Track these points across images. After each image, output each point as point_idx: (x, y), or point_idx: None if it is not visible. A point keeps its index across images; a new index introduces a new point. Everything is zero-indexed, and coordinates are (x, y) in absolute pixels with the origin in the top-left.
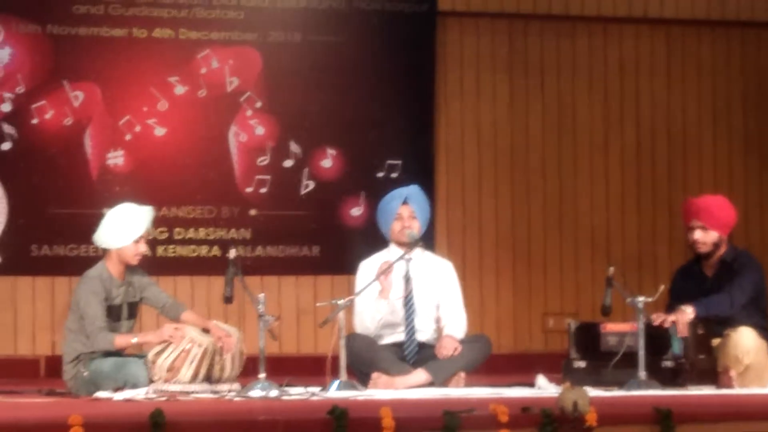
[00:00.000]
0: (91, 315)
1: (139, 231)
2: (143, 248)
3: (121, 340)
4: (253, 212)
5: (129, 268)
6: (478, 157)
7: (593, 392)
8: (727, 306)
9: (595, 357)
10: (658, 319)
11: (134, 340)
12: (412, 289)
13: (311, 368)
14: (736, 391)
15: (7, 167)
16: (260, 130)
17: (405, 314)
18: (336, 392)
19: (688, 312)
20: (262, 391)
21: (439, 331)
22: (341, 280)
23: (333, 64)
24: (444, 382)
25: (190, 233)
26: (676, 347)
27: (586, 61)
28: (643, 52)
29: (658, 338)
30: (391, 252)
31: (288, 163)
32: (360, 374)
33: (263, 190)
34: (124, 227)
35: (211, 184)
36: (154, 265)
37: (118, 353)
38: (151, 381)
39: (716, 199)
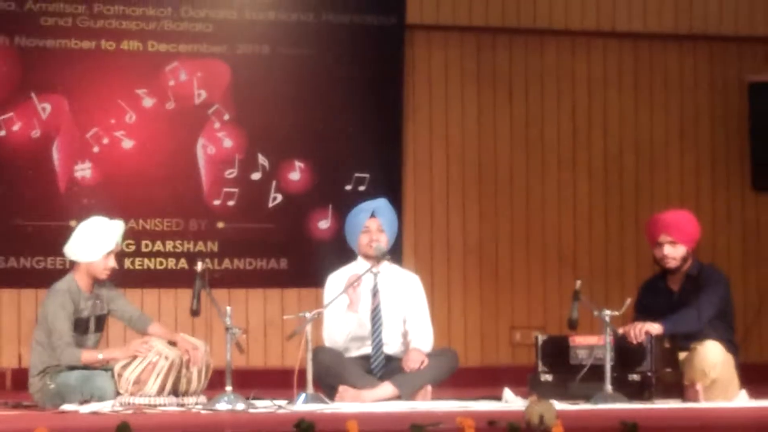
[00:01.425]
0: (59, 329)
1: (109, 246)
2: (112, 263)
3: (87, 356)
4: (220, 225)
5: (97, 281)
6: (446, 170)
7: (559, 406)
8: (695, 321)
9: (562, 370)
10: (632, 335)
11: (100, 356)
12: (379, 302)
13: (278, 381)
14: (702, 404)
15: None
16: (228, 143)
17: (372, 327)
18: (303, 405)
19: (655, 328)
20: (228, 403)
21: (406, 344)
22: (308, 292)
23: (301, 77)
24: (411, 396)
25: (158, 246)
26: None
27: (554, 74)
28: (611, 65)
29: (625, 352)
30: (359, 265)
31: (256, 176)
32: (327, 387)
33: (231, 203)
34: (94, 241)
35: (179, 197)
36: (121, 277)
37: (85, 366)
38: (117, 394)
39: (683, 214)
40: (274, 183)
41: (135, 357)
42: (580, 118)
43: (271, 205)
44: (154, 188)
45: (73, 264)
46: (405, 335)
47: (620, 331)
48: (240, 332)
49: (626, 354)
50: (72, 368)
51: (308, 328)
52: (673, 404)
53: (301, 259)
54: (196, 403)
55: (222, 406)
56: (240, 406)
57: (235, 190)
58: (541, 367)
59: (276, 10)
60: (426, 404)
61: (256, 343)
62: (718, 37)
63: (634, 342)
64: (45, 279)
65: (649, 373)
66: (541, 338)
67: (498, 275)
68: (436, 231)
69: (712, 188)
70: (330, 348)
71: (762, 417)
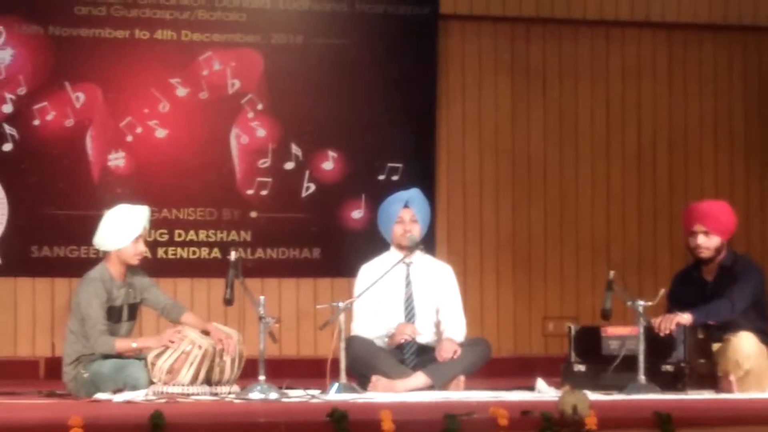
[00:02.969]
0: (93, 318)
1: (136, 230)
2: (142, 248)
3: (121, 345)
4: (253, 214)
5: (130, 270)
6: (480, 160)
7: (593, 396)
8: (728, 311)
9: (594, 361)
10: (661, 327)
11: (134, 344)
12: (412, 292)
13: (311, 371)
14: (736, 395)
15: (8, 168)
16: (261, 132)
17: (405, 317)
18: (336, 395)
19: (685, 318)
20: (261, 393)
21: (439, 334)
22: (341, 282)
23: (335, 67)
24: (444, 386)
25: (191, 235)
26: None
27: (588, 64)
28: (645, 55)
29: (658, 342)
30: (392, 255)
31: (289, 166)
32: (360, 377)
33: (264, 192)
34: (121, 228)
35: (212, 186)
36: (154, 266)
37: (119, 355)
38: (150, 383)
39: (719, 205)
40: (307, 173)
41: (168, 346)
42: (614, 109)
43: (304, 194)
44: (188, 177)
45: (105, 254)
46: (438, 325)
47: (653, 321)
48: (273, 322)
49: (659, 344)
50: (105, 357)
51: (341, 317)
52: (706, 395)
53: (334, 249)
54: (229, 393)
55: (255, 395)
56: (273, 395)
57: (269, 179)
58: (574, 358)
59: None
60: (459, 394)
61: (289, 333)
62: (752, 27)
63: (660, 333)
64: (78, 268)
65: (683, 364)
66: (573, 328)
67: (531, 265)
68: (469, 221)
69: (746, 179)
70: (363, 337)
71: None
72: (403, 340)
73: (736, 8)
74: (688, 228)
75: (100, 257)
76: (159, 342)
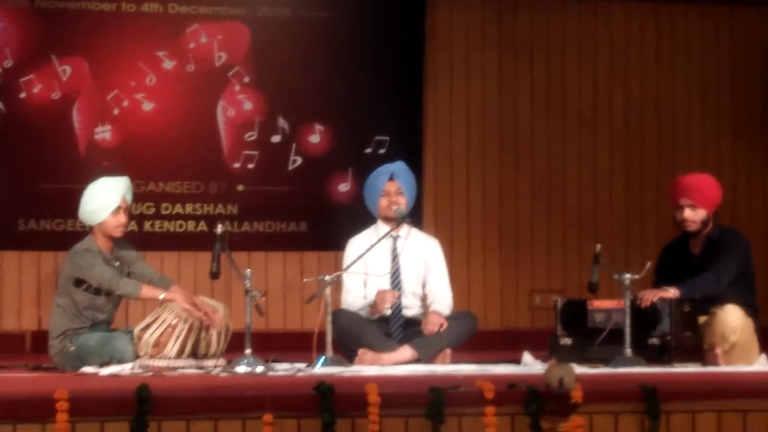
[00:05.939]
0: (102, 274)
1: (114, 202)
2: (123, 219)
3: (147, 291)
4: (240, 188)
5: (116, 243)
6: (467, 134)
7: (579, 369)
8: (714, 284)
9: (581, 334)
10: (643, 299)
11: (161, 296)
12: (399, 265)
13: (297, 344)
14: (722, 368)
15: None
16: (248, 106)
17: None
18: (322, 368)
19: (671, 292)
20: (248, 366)
21: (425, 307)
22: (328, 256)
23: (322, 40)
24: (430, 359)
25: (178, 208)
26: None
27: (575, 39)
28: (633, 30)
29: (644, 315)
30: (379, 228)
31: (276, 139)
32: (346, 350)
33: (251, 166)
34: (99, 201)
35: (199, 159)
36: (140, 240)
37: (105, 329)
38: (137, 356)
39: (704, 178)
40: (294, 146)
41: (155, 319)
42: (601, 83)
43: (291, 168)
44: (174, 151)
45: (90, 227)
46: (424, 298)
47: (639, 294)
48: (259, 295)
49: (646, 318)
50: (92, 330)
51: (328, 291)
52: (692, 368)
53: (321, 222)
54: (216, 366)
55: (241, 368)
56: (259, 368)
57: (255, 152)
58: (560, 331)
59: None
60: (445, 367)
61: (276, 306)
62: (739, 1)
63: (641, 306)
64: (65, 241)
65: (669, 337)
66: (560, 302)
67: (518, 239)
68: (455, 194)
69: (732, 153)
70: (349, 311)
71: None
72: (388, 306)
73: None
74: (674, 202)
75: (86, 230)
76: (185, 299)
